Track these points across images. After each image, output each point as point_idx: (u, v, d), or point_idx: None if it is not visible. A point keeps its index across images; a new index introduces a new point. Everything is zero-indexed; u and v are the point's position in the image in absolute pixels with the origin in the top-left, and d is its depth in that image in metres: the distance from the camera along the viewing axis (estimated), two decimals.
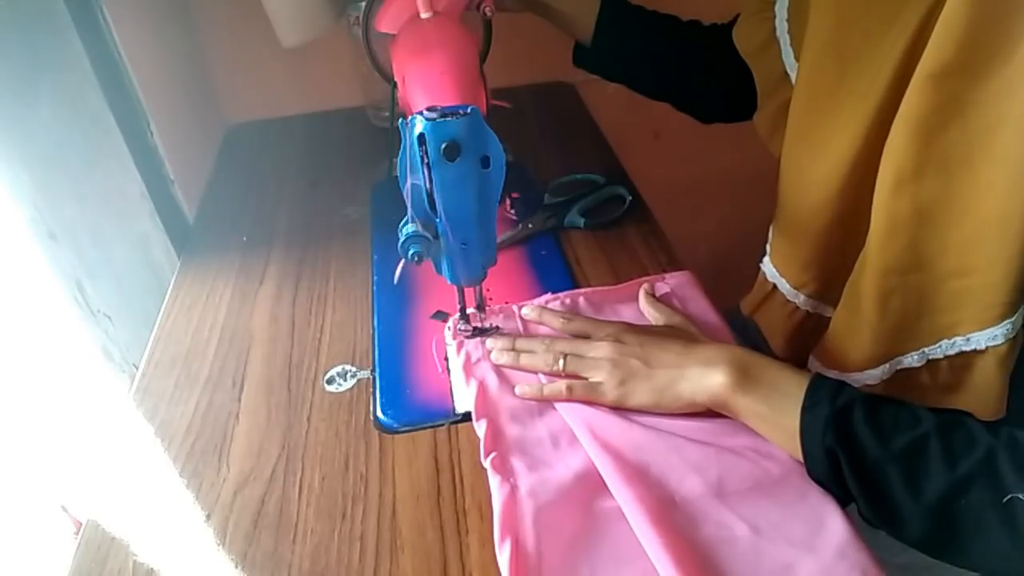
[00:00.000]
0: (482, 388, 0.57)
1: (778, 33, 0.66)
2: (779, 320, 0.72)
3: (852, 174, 0.57)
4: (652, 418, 0.54)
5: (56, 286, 0.79)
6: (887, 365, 0.59)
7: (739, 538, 0.46)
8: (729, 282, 0.81)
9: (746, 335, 0.75)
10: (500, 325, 0.63)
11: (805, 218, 0.64)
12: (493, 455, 0.52)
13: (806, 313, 0.70)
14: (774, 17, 0.66)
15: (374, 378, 0.61)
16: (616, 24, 0.74)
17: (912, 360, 0.57)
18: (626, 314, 0.65)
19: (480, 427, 0.54)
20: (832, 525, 0.47)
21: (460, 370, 0.60)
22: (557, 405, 0.56)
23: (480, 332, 0.63)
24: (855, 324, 0.60)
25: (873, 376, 0.60)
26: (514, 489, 0.49)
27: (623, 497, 0.48)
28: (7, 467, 0.86)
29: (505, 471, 0.51)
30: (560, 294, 0.66)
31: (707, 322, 0.64)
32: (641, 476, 0.49)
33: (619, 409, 0.55)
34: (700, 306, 0.66)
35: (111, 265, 0.81)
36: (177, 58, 0.97)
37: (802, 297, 0.69)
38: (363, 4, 0.65)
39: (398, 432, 0.57)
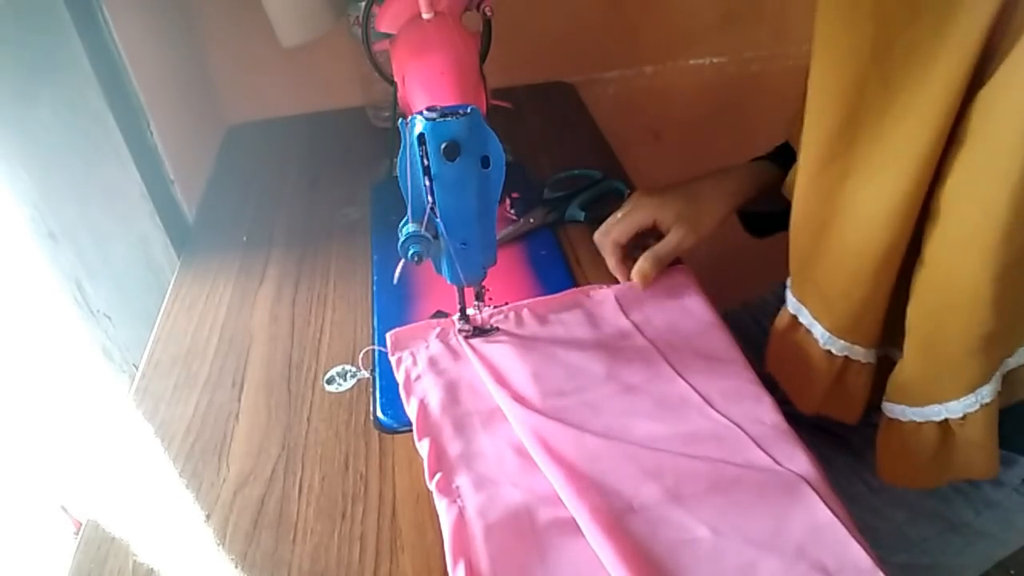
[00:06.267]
0: (422, 407, 0.56)
1: None
2: (812, 372, 0.63)
3: (910, 205, 0.50)
4: (605, 426, 0.53)
5: (56, 286, 0.79)
6: (997, 374, 0.53)
7: (700, 540, 0.46)
8: (729, 282, 0.81)
9: (746, 336, 0.75)
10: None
11: (852, 259, 0.55)
12: (438, 476, 0.51)
13: (845, 359, 0.60)
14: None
15: (374, 378, 0.61)
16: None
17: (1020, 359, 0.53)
18: (571, 321, 0.64)
19: (423, 447, 0.53)
20: (793, 523, 0.46)
21: (401, 388, 0.59)
22: (508, 417, 0.55)
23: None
24: (940, 353, 0.52)
25: (987, 393, 0.53)
26: (462, 510, 0.48)
27: (577, 509, 0.47)
28: (7, 467, 0.86)
29: (451, 492, 0.50)
30: (505, 307, 0.65)
31: (701, 318, 0.64)
32: (596, 486, 0.49)
33: (570, 421, 0.53)
34: (695, 301, 0.65)
35: (111, 265, 0.81)
36: (177, 58, 0.97)
37: (841, 343, 0.60)
38: (363, 4, 0.65)
39: (398, 432, 0.57)
